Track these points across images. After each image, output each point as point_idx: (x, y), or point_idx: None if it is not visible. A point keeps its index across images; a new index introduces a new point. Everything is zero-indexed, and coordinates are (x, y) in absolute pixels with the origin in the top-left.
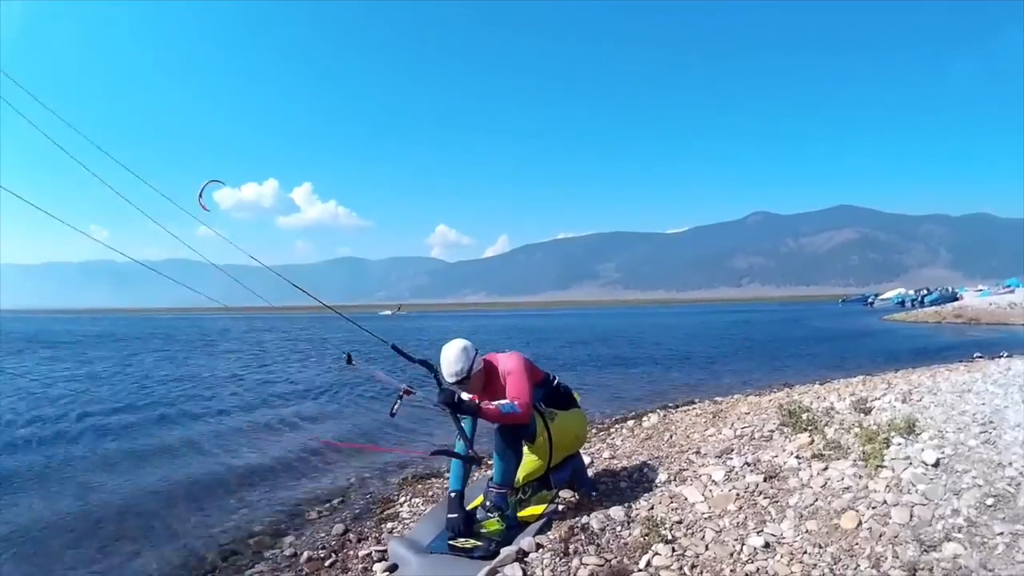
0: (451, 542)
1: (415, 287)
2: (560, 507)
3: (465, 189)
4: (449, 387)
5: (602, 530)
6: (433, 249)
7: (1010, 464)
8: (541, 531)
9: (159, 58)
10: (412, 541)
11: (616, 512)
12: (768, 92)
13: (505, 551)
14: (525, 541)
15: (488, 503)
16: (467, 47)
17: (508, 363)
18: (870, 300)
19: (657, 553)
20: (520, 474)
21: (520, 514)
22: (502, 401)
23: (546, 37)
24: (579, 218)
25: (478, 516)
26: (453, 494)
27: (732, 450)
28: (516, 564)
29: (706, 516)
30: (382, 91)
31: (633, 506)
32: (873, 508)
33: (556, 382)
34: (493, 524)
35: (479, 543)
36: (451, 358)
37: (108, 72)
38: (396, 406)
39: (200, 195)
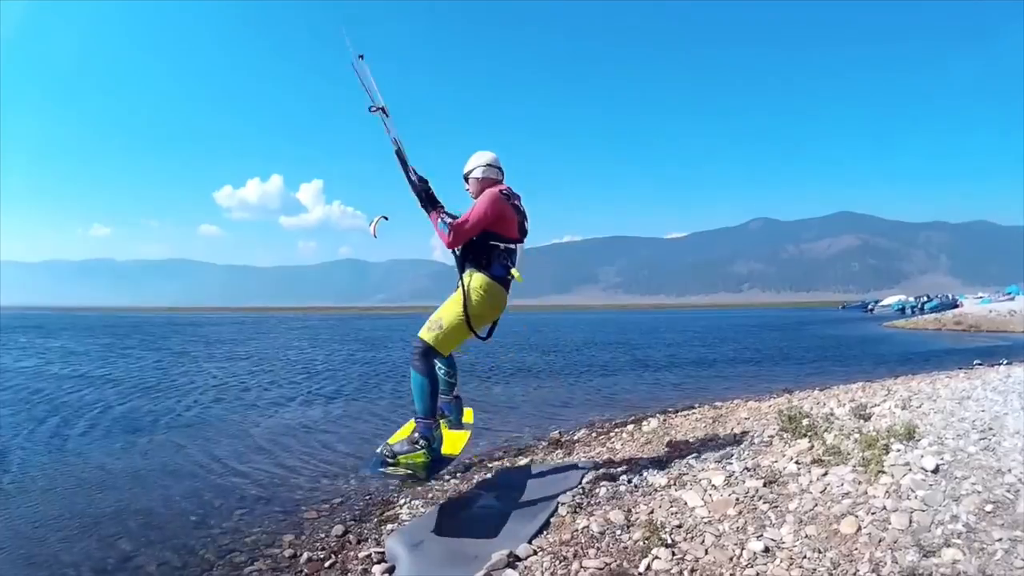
0: (381, 469)
1: (416, 289)
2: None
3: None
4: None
5: (602, 533)
6: (435, 251)
7: (1009, 471)
8: (539, 534)
9: (160, 55)
10: (407, 537)
11: (616, 516)
12: (768, 98)
13: (496, 555)
14: (521, 548)
15: (414, 435)
16: (470, 47)
17: (483, 195)
18: (870, 306)
19: (657, 557)
20: (446, 328)
21: (446, 450)
22: (446, 217)
23: (548, 39)
24: (580, 222)
25: (403, 448)
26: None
27: (732, 455)
28: (509, 569)
29: (706, 520)
30: (386, 90)
31: (633, 510)
32: (873, 513)
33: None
34: (419, 457)
35: (409, 471)
36: (471, 157)
37: (108, 70)
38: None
39: None
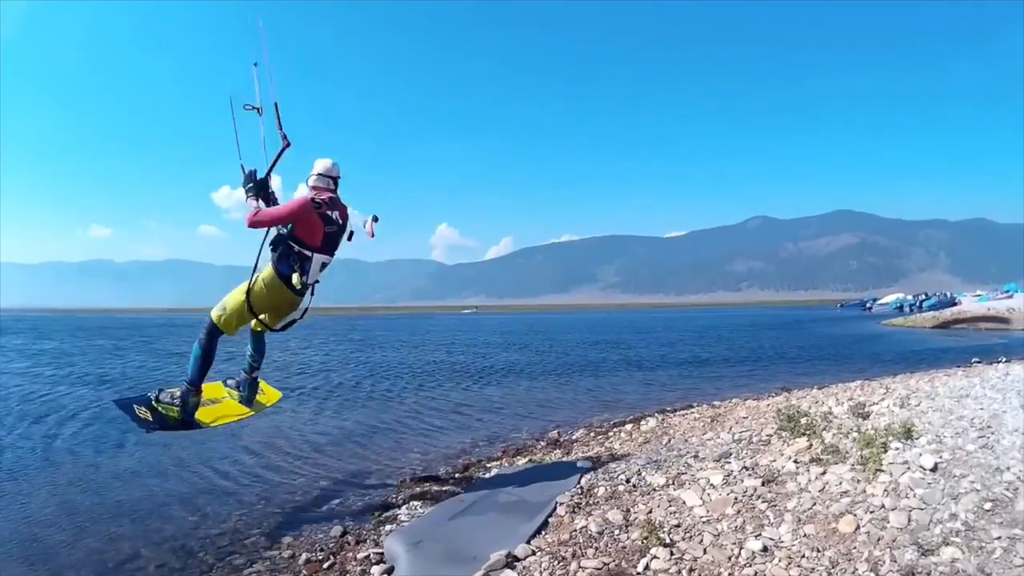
0: (136, 404)
1: (414, 289)
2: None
3: (469, 190)
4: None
5: (600, 533)
6: (434, 251)
7: (1008, 469)
8: (537, 533)
9: (160, 56)
10: (406, 537)
11: (614, 515)
12: (767, 96)
13: (495, 555)
14: (520, 548)
15: (177, 392)
16: (470, 48)
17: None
18: (869, 305)
19: (655, 557)
20: (229, 310)
21: (201, 417)
22: (261, 204)
23: (545, 38)
24: (578, 221)
25: (165, 399)
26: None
27: (730, 454)
28: (507, 570)
29: (704, 520)
30: (388, 90)
31: (631, 509)
32: (871, 512)
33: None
34: (172, 411)
35: (152, 420)
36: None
37: (108, 70)
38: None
39: None
